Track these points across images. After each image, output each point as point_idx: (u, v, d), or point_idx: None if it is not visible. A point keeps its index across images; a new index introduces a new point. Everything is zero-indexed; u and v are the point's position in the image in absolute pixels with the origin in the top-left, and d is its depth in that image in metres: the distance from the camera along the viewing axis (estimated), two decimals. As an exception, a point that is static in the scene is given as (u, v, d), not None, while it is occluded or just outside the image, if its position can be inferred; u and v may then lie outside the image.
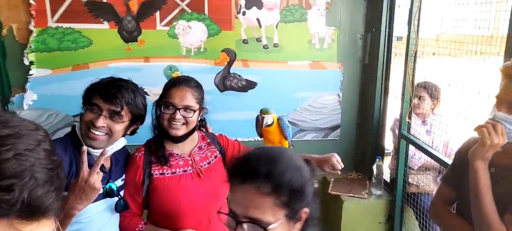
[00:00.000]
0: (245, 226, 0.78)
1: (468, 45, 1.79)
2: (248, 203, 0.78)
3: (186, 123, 1.39)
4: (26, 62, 2.24)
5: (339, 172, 1.47)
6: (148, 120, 1.47)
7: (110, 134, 1.28)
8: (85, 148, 1.19)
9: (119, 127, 1.29)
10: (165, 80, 2.36)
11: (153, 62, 2.37)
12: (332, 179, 2.54)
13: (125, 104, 1.27)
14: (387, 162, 2.58)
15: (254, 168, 0.79)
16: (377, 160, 2.35)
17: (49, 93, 2.30)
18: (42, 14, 2.20)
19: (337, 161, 1.44)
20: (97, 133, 1.25)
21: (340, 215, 2.33)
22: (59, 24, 2.23)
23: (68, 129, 2.29)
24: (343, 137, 2.65)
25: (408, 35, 2.00)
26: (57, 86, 2.31)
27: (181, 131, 1.39)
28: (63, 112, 2.36)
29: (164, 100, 1.39)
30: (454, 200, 1.34)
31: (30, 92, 2.29)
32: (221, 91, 2.46)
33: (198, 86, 1.44)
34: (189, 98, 1.38)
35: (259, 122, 1.63)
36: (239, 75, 2.46)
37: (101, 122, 1.24)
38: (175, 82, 1.41)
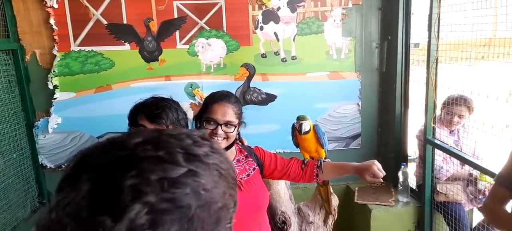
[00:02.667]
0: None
1: (493, 48, 1.80)
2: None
3: (227, 137, 1.40)
4: (50, 86, 2.28)
5: (382, 181, 1.45)
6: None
7: None
8: None
9: None
10: (186, 98, 2.43)
11: (174, 81, 2.39)
12: (357, 188, 2.53)
13: (170, 124, 1.29)
14: (411, 169, 2.56)
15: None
16: (402, 166, 2.34)
17: (73, 115, 2.33)
18: (64, 38, 2.24)
19: (378, 168, 1.43)
20: None
21: (368, 224, 2.30)
22: (82, 48, 2.27)
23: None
24: (364, 146, 2.64)
25: (429, 41, 2.01)
26: (80, 108, 2.33)
27: (222, 145, 1.40)
28: (87, 133, 2.38)
29: (206, 116, 1.40)
30: (509, 200, 1.32)
31: (54, 115, 2.32)
32: (243, 106, 2.47)
33: (237, 102, 1.46)
34: (230, 114, 1.40)
35: (295, 130, 1.63)
36: (259, 89, 2.48)
37: None
38: (217, 98, 1.42)
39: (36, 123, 2.32)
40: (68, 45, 2.26)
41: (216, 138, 1.39)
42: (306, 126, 1.58)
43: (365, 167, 1.44)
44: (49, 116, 2.32)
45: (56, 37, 2.23)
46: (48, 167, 2.39)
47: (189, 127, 1.51)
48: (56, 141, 2.37)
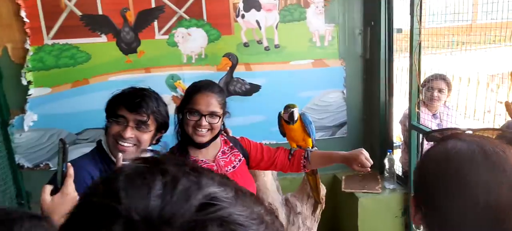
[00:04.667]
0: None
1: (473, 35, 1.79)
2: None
3: (211, 129, 1.36)
4: (24, 82, 2.18)
5: (369, 170, 1.43)
6: (170, 128, 1.44)
7: (138, 144, 1.25)
8: (120, 155, 1.18)
9: (146, 137, 1.26)
10: (168, 90, 2.37)
11: (154, 73, 2.32)
12: (343, 177, 2.52)
13: (151, 113, 1.24)
14: (396, 156, 2.56)
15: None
16: (388, 153, 2.34)
17: (49, 112, 2.24)
18: (37, 31, 2.14)
19: (366, 158, 1.40)
20: (125, 144, 1.23)
21: (356, 212, 2.30)
22: (56, 41, 2.18)
23: (72, 148, 2.25)
24: (350, 134, 2.62)
25: (411, 27, 1.99)
26: (57, 104, 2.25)
27: (206, 137, 1.36)
28: (65, 130, 2.30)
29: (189, 107, 1.35)
30: None
31: (30, 113, 2.23)
32: (226, 97, 2.42)
33: (221, 91, 1.42)
34: (214, 104, 1.35)
35: (282, 119, 1.59)
36: (242, 80, 2.43)
37: (129, 132, 1.22)
38: (200, 88, 1.38)
39: (11, 121, 2.23)
40: (41, 38, 2.16)
41: (200, 129, 1.34)
42: (296, 112, 1.55)
43: (353, 156, 1.42)
44: (24, 113, 2.22)
45: (28, 30, 2.13)
46: (26, 166, 2.31)
47: (170, 119, 1.46)
48: (33, 139, 2.28)
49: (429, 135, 0.73)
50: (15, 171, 2.29)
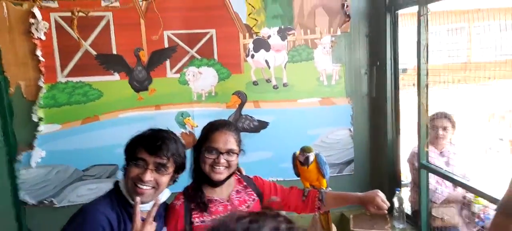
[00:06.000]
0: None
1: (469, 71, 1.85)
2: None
3: (228, 166, 1.37)
4: (35, 119, 2.19)
5: (386, 211, 1.42)
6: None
7: (156, 186, 1.24)
8: (138, 199, 1.17)
9: (165, 179, 1.26)
10: (177, 127, 2.38)
11: (164, 110, 2.34)
12: (352, 216, 2.48)
13: (171, 155, 1.24)
14: (404, 195, 2.55)
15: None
16: (397, 192, 2.32)
17: (58, 148, 2.24)
18: (51, 69, 2.18)
19: (382, 200, 1.40)
20: (144, 187, 1.22)
21: (365, 252, 2.25)
22: (69, 79, 2.21)
23: (78, 185, 2.23)
24: (358, 171, 2.62)
25: (419, 66, 2.04)
26: (66, 141, 2.25)
27: (224, 174, 1.37)
28: (72, 166, 2.28)
29: (206, 145, 1.36)
30: None
31: (38, 149, 2.22)
32: (235, 134, 2.44)
33: (237, 129, 1.44)
34: (231, 141, 1.37)
35: (296, 160, 1.60)
36: (251, 117, 2.45)
37: (148, 176, 1.21)
38: (217, 126, 1.40)
39: (18, 157, 2.21)
40: (55, 76, 2.20)
41: (218, 167, 1.35)
42: (312, 157, 1.56)
43: (369, 198, 1.42)
44: (32, 149, 2.22)
45: (42, 68, 2.17)
46: (30, 203, 2.27)
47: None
48: (39, 175, 2.26)
49: None
50: (18, 207, 2.25)
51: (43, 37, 2.14)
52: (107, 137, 2.28)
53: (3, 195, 2.17)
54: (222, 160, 1.35)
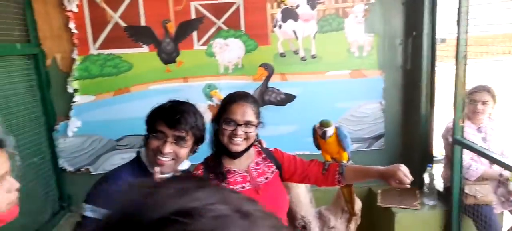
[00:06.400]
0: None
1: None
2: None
3: (246, 138, 1.37)
4: (70, 90, 2.29)
5: (408, 186, 1.37)
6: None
7: (176, 158, 1.27)
8: (157, 168, 1.21)
9: (184, 151, 1.28)
10: (204, 99, 2.40)
11: (191, 82, 2.37)
12: (380, 191, 2.44)
13: (189, 128, 1.26)
14: (437, 171, 2.45)
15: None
16: (428, 168, 2.25)
17: (92, 119, 2.33)
18: (84, 42, 2.25)
19: (404, 174, 1.35)
20: (164, 158, 1.25)
21: (392, 228, 2.22)
22: (101, 51, 2.27)
23: (113, 154, 2.33)
24: (388, 146, 2.55)
25: (458, 36, 1.91)
26: (100, 111, 2.34)
27: (241, 146, 1.37)
28: (106, 137, 2.38)
29: (224, 117, 1.37)
30: None
31: (74, 119, 2.33)
32: (260, 106, 2.42)
33: (255, 101, 1.43)
34: (249, 113, 1.37)
35: (316, 133, 1.57)
36: (277, 89, 2.42)
37: (168, 148, 1.24)
38: (235, 98, 1.39)
39: (56, 126, 2.34)
40: (88, 48, 2.26)
41: (235, 138, 1.35)
42: (330, 131, 1.52)
43: (390, 172, 1.36)
44: (69, 119, 2.33)
45: (76, 41, 2.24)
46: (68, 170, 2.41)
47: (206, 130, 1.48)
48: (76, 144, 2.38)
49: None
50: (58, 174, 2.40)
51: (76, 9, 2.20)
52: (138, 108, 2.30)
53: (44, 162, 2.32)
54: (240, 131, 1.35)
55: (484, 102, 2.18)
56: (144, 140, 1.29)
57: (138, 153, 1.33)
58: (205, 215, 0.31)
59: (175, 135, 1.25)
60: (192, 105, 1.34)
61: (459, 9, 1.87)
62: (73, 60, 2.26)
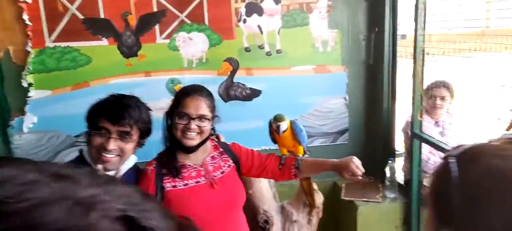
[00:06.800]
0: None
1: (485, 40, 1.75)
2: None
3: (200, 132, 1.35)
4: (25, 84, 2.19)
5: (360, 178, 1.39)
6: (154, 134, 1.43)
7: (121, 154, 1.24)
8: (100, 166, 1.17)
9: (129, 146, 1.25)
10: (168, 94, 2.35)
11: (154, 77, 2.31)
12: (344, 185, 2.47)
13: (134, 123, 1.22)
14: (398, 165, 2.51)
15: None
16: (390, 161, 2.29)
17: (49, 114, 2.24)
18: (39, 34, 2.15)
19: (356, 166, 1.37)
20: (109, 156, 1.21)
21: (355, 221, 2.25)
22: (57, 44, 2.18)
23: (72, 151, 2.24)
24: (352, 141, 2.58)
25: (415, 32, 1.95)
26: (57, 107, 2.25)
27: (195, 140, 1.36)
28: (64, 133, 2.30)
29: (177, 111, 1.34)
30: None
31: (29, 114, 2.23)
32: (226, 101, 2.40)
33: (210, 95, 1.41)
34: (203, 107, 1.35)
35: (272, 127, 1.57)
36: (243, 84, 2.41)
37: (112, 144, 1.20)
38: (189, 92, 1.37)
39: (11, 122, 2.23)
40: (43, 41, 2.17)
41: (189, 133, 1.33)
42: (283, 126, 1.53)
43: (343, 164, 1.38)
44: (24, 115, 2.23)
45: (29, 33, 2.14)
46: (26, 167, 2.31)
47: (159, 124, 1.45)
48: (32, 141, 2.28)
49: (446, 156, 0.69)
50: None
51: (29, 0, 2.10)
52: (99, 103, 2.27)
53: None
54: (193, 125, 1.33)
55: (442, 98, 2.25)
56: (86, 137, 1.24)
57: (81, 151, 1.29)
58: (11, 182, 0.28)
59: (119, 131, 1.21)
60: (136, 98, 1.30)
61: (416, 5, 1.91)
62: (28, 53, 2.16)
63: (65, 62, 2.21)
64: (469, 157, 0.65)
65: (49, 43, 2.17)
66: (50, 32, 2.16)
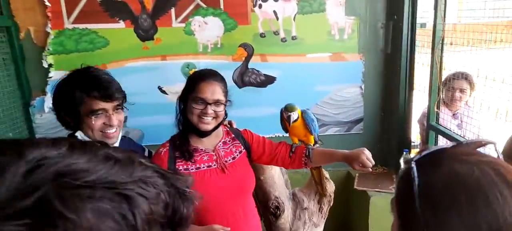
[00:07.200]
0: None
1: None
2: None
3: (215, 117, 1.37)
4: (45, 65, 2.25)
5: (370, 169, 1.38)
6: (169, 118, 1.46)
7: (120, 125, 1.32)
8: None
9: (123, 116, 1.32)
10: (183, 78, 2.37)
11: (170, 60, 2.33)
12: (357, 174, 2.46)
13: (120, 93, 1.28)
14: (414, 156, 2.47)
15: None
16: (404, 153, 2.26)
17: (68, 95, 2.30)
18: (58, 15, 2.19)
19: (367, 157, 1.36)
20: (113, 130, 1.27)
21: (367, 210, 2.25)
22: (76, 25, 2.22)
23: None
24: (367, 130, 2.55)
25: (434, 22, 1.89)
26: (75, 88, 2.30)
27: (211, 125, 1.38)
28: (83, 114, 2.35)
29: (193, 96, 1.36)
30: None
31: (50, 94, 2.29)
32: (240, 87, 2.41)
33: (223, 79, 1.43)
34: (218, 92, 1.37)
35: (283, 117, 1.57)
36: (257, 71, 2.40)
37: (114, 120, 1.26)
38: (204, 77, 1.38)
39: (32, 102, 2.31)
40: (62, 22, 2.21)
41: (205, 117, 1.35)
42: (294, 115, 1.53)
43: (354, 155, 1.37)
44: (45, 95, 2.30)
45: (49, 14, 2.18)
46: (45, 146, 2.38)
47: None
48: (53, 120, 2.33)
49: (407, 160, 0.68)
50: (36, 150, 2.38)
51: (49, -18, 2.14)
52: (116, 85, 2.31)
53: (21, 137, 2.29)
54: (210, 110, 1.35)
55: (462, 90, 2.18)
56: (73, 125, 1.27)
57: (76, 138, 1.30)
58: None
59: (114, 106, 1.26)
60: (103, 70, 1.34)
61: (437, -7, 1.85)
62: (48, 34, 2.21)
63: (84, 44, 2.25)
64: (431, 161, 0.63)
65: (68, 25, 2.22)
66: (69, 14, 2.20)
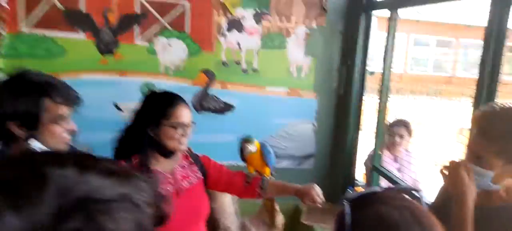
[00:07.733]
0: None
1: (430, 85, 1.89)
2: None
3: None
4: (-7, 67, 2.12)
5: (320, 205, 1.44)
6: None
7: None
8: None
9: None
10: (140, 97, 2.34)
11: (129, 77, 2.31)
12: (304, 208, 2.53)
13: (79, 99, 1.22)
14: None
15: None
16: (349, 190, 2.37)
17: (14, 101, 2.17)
18: (14, 18, 2.10)
19: (316, 194, 1.42)
20: (69, 137, 1.20)
21: (311, 244, 2.30)
22: (33, 31, 2.14)
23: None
24: (317, 166, 2.66)
25: (384, 71, 2.07)
26: (23, 94, 2.18)
27: (186, 145, 1.41)
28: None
29: (172, 122, 1.34)
30: None
31: (-8, 99, 2.15)
32: (198, 112, 2.42)
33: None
34: (190, 114, 1.41)
35: (242, 146, 1.62)
36: (217, 98, 2.44)
37: (72, 124, 1.20)
38: (177, 101, 1.39)
39: (-28, 104, 2.14)
40: (17, 26, 2.12)
41: (184, 139, 1.38)
42: (251, 148, 1.58)
43: (305, 190, 1.44)
44: (-12, 98, 2.15)
45: (5, 15, 2.09)
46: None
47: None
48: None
49: (344, 199, 0.76)
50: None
51: (9, -17, 2.06)
52: (68, 97, 2.23)
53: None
54: (189, 132, 1.39)
55: (401, 136, 2.38)
56: (28, 134, 1.14)
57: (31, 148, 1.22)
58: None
59: (72, 109, 1.19)
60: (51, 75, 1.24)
61: (386, 46, 2.04)
62: (0, 36, 2.11)
63: (39, 51, 2.17)
64: (363, 202, 0.72)
65: (24, 29, 2.13)
66: (27, 18, 2.12)
